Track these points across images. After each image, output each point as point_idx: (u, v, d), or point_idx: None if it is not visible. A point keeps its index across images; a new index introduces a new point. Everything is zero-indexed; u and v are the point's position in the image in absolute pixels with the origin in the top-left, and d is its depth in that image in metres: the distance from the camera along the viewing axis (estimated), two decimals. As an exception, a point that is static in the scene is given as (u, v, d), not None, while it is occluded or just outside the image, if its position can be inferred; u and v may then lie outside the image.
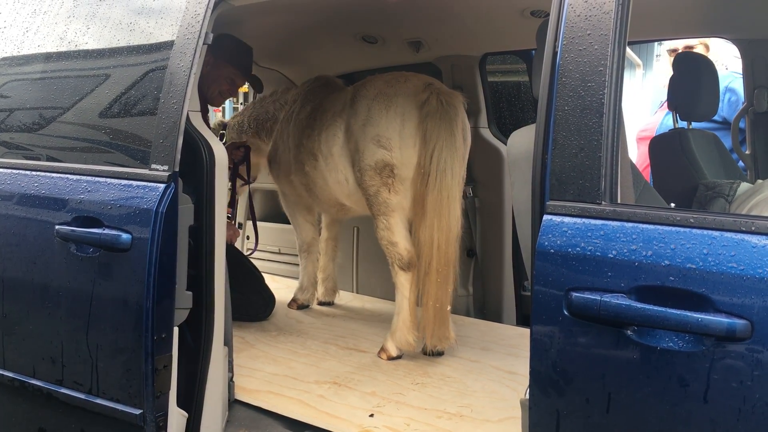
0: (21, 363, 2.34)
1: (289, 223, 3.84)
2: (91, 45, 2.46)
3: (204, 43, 2.12)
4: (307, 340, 3.21)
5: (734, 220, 1.35)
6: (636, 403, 1.39)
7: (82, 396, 2.17)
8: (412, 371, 2.81)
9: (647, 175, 3.42)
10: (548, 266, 1.48)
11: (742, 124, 3.25)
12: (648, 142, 3.25)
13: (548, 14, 1.63)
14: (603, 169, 1.48)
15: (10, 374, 2.36)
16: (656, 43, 8.05)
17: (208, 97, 3.28)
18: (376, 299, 3.92)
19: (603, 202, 1.47)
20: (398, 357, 2.94)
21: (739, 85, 3.55)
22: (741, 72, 3.20)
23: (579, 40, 1.54)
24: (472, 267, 3.65)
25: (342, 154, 3.03)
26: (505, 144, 3.19)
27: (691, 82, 2.94)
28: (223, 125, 4.05)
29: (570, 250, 1.46)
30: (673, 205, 2.26)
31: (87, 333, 2.14)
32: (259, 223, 3.92)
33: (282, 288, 4.00)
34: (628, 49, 2.75)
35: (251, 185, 3.78)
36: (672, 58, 3.49)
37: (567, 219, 1.49)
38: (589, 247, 1.44)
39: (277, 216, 4.37)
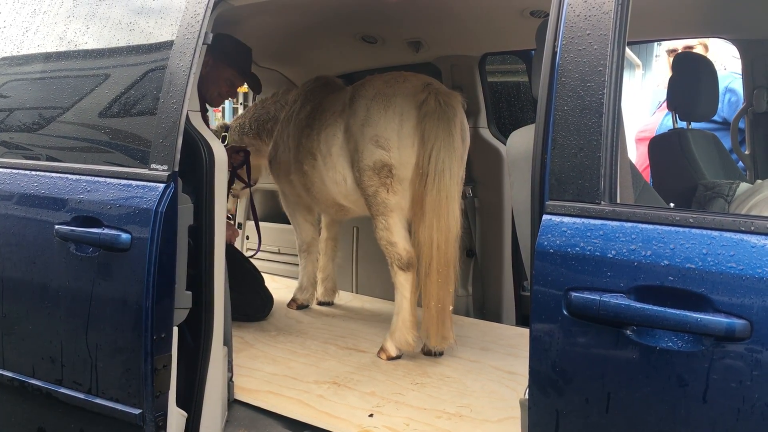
0: (20, 363, 2.34)
1: (289, 223, 3.84)
2: (91, 45, 2.46)
3: (204, 43, 2.12)
4: (307, 340, 3.21)
5: (733, 220, 1.35)
6: (635, 403, 1.39)
7: (81, 396, 2.17)
8: (412, 371, 2.81)
9: (647, 175, 3.42)
10: (548, 266, 1.48)
11: (741, 125, 3.25)
12: (647, 142, 3.25)
13: (548, 14, 1.63)
14: (602, 169, 1.48)
15: (10, 374, 2.36)
16: (655, 44, 8.05)
17: (207, 98, 3.28)
18: (375, 299, 3.91)
19: (602, 202, 1.47)
20: (398, 357, 2.94)
21: (738, 85, 3.55)
22: (740, 72, 3.21)
23: (578, 40, 1.54)
24: (471, 267, 3.65)
25: (341, 154, 3.03)
26: (505, 144, 3.19)
27: (691, 82, 2.94)
28: (226, 127, 4.05)
29: (569, 250, 1.46)
30: (672, 205, 2.26)
31: (86, 333, 2.14)
32: (259, 223, 3.92)
33: (281, 288, 4.01)
34: (627, 50, 2.74)
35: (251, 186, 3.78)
36: (671, 59, 3.49)
37: (566, 219, 1.49)
38: (589, 247, 1.44)
39: (276, 216, 4.36)
